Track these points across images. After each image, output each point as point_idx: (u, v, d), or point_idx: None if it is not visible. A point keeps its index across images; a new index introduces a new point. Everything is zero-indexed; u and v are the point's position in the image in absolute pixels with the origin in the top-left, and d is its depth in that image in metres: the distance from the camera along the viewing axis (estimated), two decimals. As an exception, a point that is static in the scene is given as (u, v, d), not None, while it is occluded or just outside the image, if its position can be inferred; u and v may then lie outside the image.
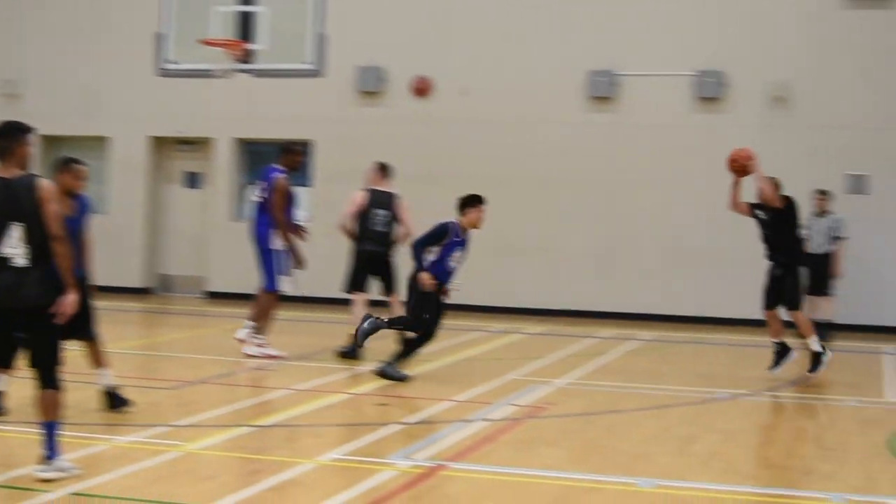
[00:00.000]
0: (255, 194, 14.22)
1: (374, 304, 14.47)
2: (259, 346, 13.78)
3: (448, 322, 12.87)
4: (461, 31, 20.28)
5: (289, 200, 13.88)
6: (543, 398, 11.68)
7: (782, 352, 13.18)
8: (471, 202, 12.35)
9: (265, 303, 13.90)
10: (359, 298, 14.07)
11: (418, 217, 13.79)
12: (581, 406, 11.28)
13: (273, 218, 13.74)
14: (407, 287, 12.45)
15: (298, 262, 13.86)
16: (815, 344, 13.19)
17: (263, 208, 13.86)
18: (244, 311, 14.89)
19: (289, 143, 14.32)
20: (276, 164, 13.97)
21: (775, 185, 13.11)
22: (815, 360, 13.21)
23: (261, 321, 13.89)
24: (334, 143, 20.70)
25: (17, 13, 22.18)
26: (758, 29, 19.09)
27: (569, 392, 12.13)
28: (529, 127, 19.88)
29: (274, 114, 20.93)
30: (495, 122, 19.99)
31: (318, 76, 20.95)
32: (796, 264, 13.34)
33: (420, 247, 12.25)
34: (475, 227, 12.39)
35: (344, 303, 14.94)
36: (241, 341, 13.82)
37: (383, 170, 14.39)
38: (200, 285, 21.66)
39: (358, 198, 14.16)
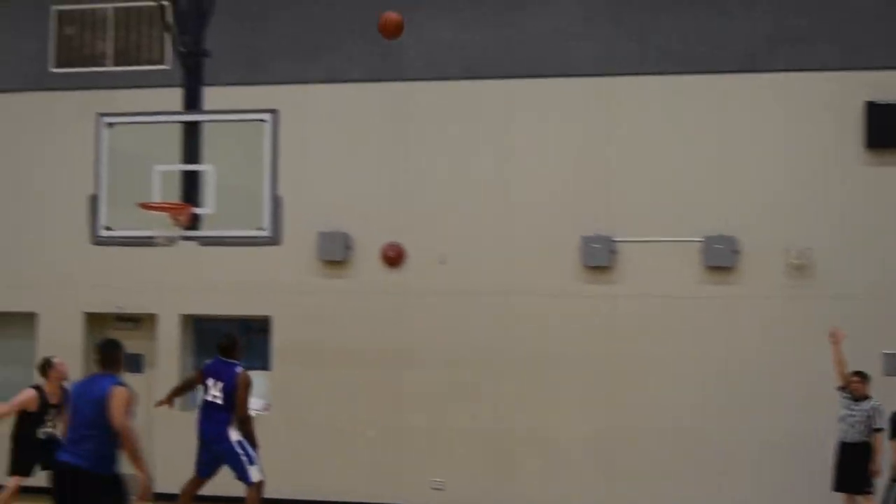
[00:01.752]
0: (210, 394, 14.62)
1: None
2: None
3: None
4: (434, 192, 20.10)
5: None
6: None
7: None
8: None
9: (254, 500, 14.58)
10: None
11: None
12: None
13: (234, 414, 14.67)
14: None
15: (256, 446, 14.88)
16: None
17: (220, 407, 14.66)
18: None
19: (230, 333, 15.71)
20: (228, 357, 15.15)
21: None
22: None
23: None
24: (294, 319, 20.30)
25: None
26: (772, 190, 18.94)
27: None
28: (516, 300, 19.55)
29: (224, 286, 20.56)
30: (477, 293, 19.69)
31: (274, 243, 20.55)
32: None
33: None
34: None
35: None
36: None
37: None
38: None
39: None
